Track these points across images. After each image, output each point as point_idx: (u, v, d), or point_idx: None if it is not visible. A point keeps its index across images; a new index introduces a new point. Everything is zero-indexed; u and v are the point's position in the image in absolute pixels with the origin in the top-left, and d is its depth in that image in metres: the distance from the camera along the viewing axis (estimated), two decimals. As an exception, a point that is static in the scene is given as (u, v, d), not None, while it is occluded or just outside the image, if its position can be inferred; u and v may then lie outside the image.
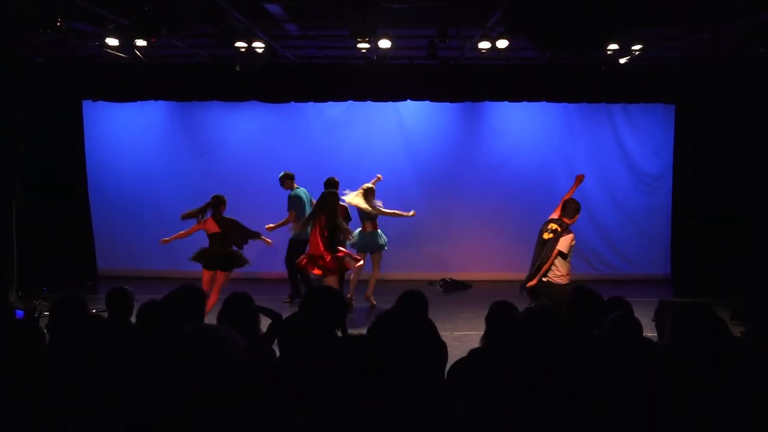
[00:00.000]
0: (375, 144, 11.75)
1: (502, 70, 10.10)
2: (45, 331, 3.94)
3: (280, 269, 10.59)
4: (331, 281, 8.23)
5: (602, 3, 4.66)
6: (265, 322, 4.40)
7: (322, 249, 8.29)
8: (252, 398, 2.19)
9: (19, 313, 4.26)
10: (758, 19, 7.20)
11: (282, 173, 10.31)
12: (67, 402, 2.65)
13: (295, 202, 10.11)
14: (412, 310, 4.11)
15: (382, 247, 9.97)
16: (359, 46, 8.30)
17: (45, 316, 4.20)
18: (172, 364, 2.00)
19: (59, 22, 6.89)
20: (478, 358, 3.73)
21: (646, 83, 10.42)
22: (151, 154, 11.85)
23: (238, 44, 8.28)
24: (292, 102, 11.01)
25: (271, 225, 9.92)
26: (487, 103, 11.48)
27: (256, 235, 8.94)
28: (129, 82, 10.44)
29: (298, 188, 10.30)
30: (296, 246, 9.90)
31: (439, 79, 10.38)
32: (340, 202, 9.19)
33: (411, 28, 8.33)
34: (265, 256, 10.73)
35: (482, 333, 4.09)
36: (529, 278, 7.49)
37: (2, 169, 9.95)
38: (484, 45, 8.39)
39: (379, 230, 9.94)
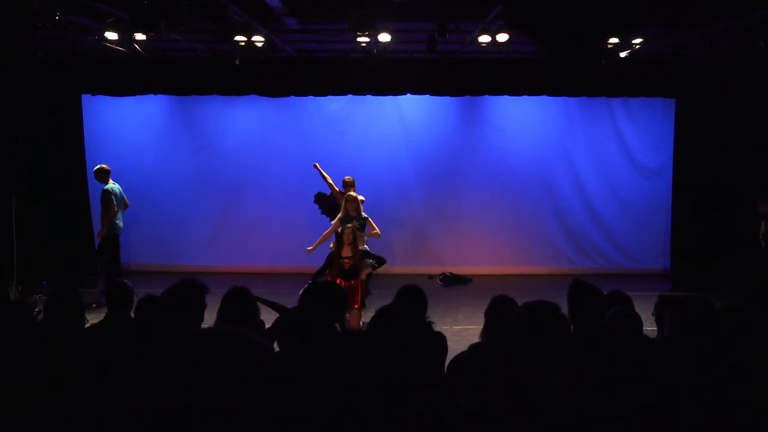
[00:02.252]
0: (375, 138, 11.74)
1: (502, 64, 10.09)
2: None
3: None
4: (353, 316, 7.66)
5: (602, 1, 4.65)
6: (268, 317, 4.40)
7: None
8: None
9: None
10: (756, 16, 7.21)
11: (97, 167, 9.86)
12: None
13: (109, 196, 9.72)
14: (410, 306, 4.10)
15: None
16: (359, 40, 8.29)
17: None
18: (193, 365, 1.98)
19: (58, 16, 6.89)
20: (478, 353, 3.73)
21: (647, 77, 10.42)
22: (150, 148, 11.84)
23: (238, 38, 8.27)
24: (291, 96, 10.98)
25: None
26: (486, 97, 11.47)
27: None
28: (128, 77, 10.43)
29: (113, 183, 9.86)
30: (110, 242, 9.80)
31: (439, 73, 10.36)
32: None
33: (411, 22, 8.31)
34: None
35: (482, 327, 4.08)
36: None
37: (2, 164, 9.94)
38: (484, 39, 8.39)
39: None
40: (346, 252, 7.76)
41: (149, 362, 3.06)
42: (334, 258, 7.86)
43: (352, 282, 7.74)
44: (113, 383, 2.93)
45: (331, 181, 9.97)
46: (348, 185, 9.80)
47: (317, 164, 10.05)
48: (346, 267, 7.74)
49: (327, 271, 7.86)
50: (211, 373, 1.93)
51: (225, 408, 1.94)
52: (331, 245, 8.25)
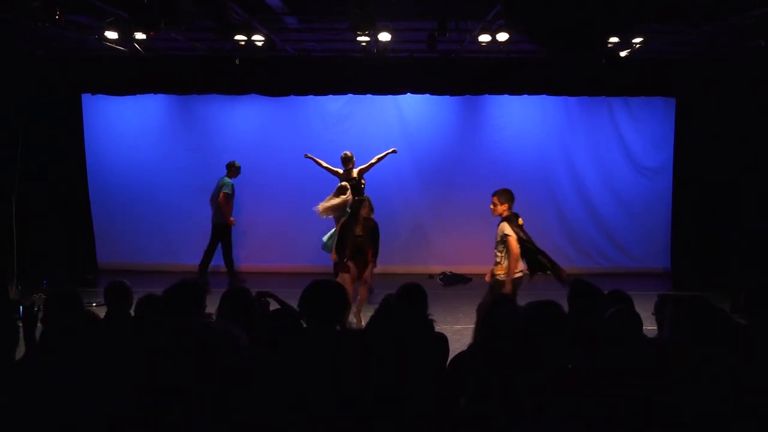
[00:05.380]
0: (375, 137, 11.71)
1: (502, 63, 10.09)
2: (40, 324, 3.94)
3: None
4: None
5: (602, 0, 4.65)
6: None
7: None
8: (251, 392, 2.19)
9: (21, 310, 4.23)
10: (755, 15, 7.22)
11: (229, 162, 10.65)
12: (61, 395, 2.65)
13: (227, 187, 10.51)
14: (411, 305, 4.09)
15: None
16: (359, 39, 8.28)
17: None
18: (174, 359, 1.99)
19: (58, 15, 6.89)
20: (478, 352, 3.73)
21: (647, 77, 10.41)
22: (150, 148, 11.83)
23: (238, 37, 8.27)
24: (291, 95, 10.98)
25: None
26: (487, 96, 11.46)
27: None
28: (128, 76, 10.42)
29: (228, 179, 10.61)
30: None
31: (439, 72, 10.35)
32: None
33: (411, 21, 8.31)
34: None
35: (482, 327, 4.08)
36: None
37: (2, 164, 9.94)
38: (484, 38, 8.38)
39: None
40: (359, 230, 7.98)
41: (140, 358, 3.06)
42: (347, 236, 7.96)
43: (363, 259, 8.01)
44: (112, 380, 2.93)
45: (326, 165, 10.18)
46: (346, 161, 9.94)
47: (308, 154, 10.28)
48: (358, 244, 7.99)
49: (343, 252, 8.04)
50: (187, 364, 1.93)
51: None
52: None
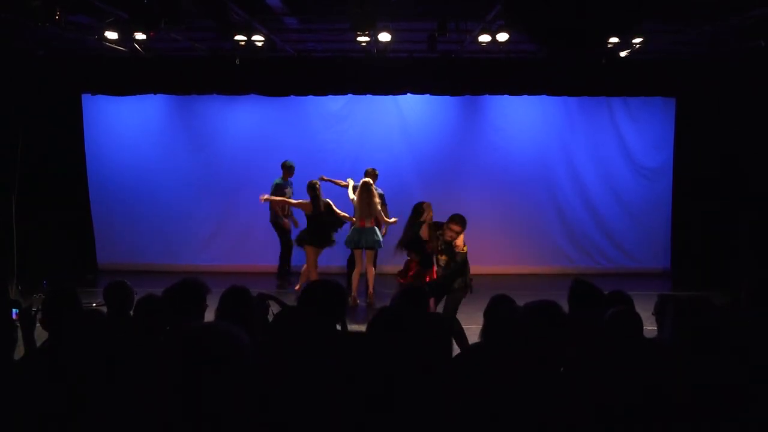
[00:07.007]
0: (375, 137, 11.72)
1: (502, 63, 10.09)
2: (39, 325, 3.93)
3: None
4: None
5: (602, 0, 4.65)
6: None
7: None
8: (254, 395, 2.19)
9: (15, 312, 4.18)
10: (755, 15, 7.22)
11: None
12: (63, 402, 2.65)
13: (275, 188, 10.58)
14: (413, 306, 4.09)
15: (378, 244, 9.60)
16: (359, 39, 8.29)
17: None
18: (178, 361, 1.99)
19: (58, 15, 6.89)
20: (478, 352, 3.73)
21: (647, 77, 10.41)
22: (150, 148, 11.83)
23: (238, 37, 8.27)
24: (291, 95, 10.96)
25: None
26: (487, 96, 11.45)
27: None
28: (128, 76, 10.41)
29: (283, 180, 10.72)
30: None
31: (439, 73, 10.35)
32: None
33: (411, 21, 8.31)
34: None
35: (481, 327, 4.08)
36: None
37: (2, 163, 9.93)
38: (484, 38, 8.38)
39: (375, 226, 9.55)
40: (432, 239, 8.18)
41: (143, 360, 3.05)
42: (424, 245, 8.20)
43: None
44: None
45: (345, 183, 10.09)
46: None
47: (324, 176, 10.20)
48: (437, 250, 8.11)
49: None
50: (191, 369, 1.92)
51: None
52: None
